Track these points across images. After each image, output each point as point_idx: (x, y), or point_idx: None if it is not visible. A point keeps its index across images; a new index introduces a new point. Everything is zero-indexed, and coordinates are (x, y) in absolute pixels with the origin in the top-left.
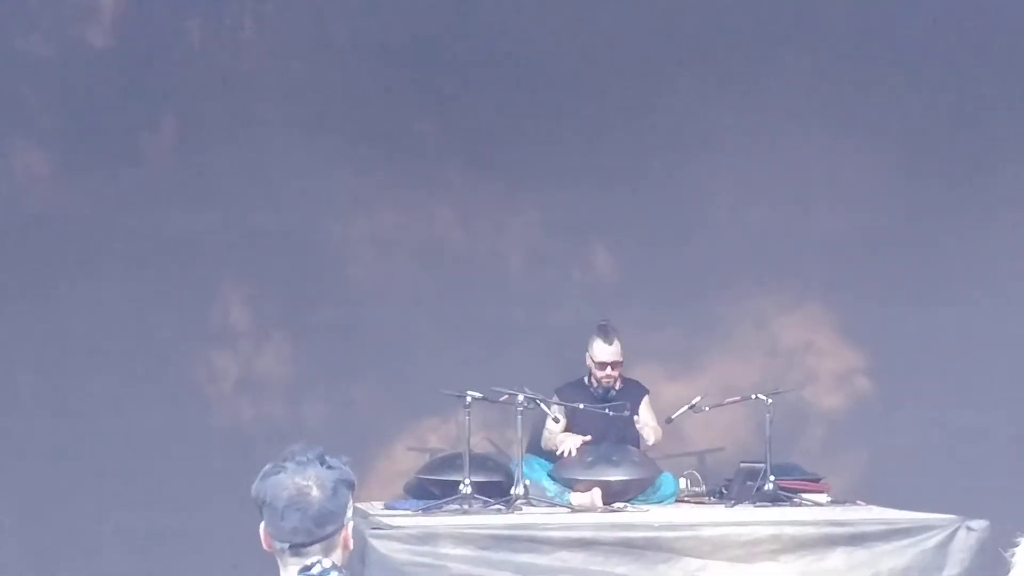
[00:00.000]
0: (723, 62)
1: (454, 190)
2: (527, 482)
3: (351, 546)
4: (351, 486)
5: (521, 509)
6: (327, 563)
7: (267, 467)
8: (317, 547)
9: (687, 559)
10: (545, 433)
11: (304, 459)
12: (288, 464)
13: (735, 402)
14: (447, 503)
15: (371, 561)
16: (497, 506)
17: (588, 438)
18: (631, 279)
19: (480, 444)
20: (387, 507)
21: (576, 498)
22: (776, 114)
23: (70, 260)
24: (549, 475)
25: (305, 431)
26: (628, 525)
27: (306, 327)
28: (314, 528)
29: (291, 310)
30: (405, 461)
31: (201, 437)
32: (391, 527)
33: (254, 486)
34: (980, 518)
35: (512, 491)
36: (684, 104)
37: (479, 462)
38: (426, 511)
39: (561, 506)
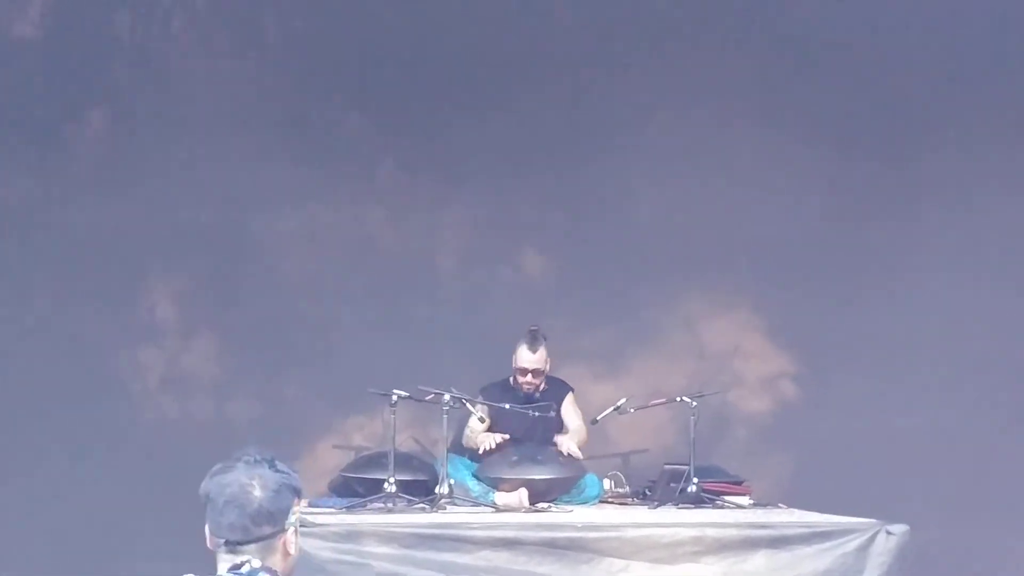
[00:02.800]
0: (653, 64)
1: (385, 188)
2: (452, 481)
3: (293, 552)
4: (297, 492)
5: (445, 508)
6: (257, 563)
7: (217, 466)
8: (253, 547)
9: (610, 560)
10: (467, 431)
11: (253, 460)
12: (238, 464)
13: (660, 404)
14: (371, 501)
15: None
16: (421, 505)
17: (507, 436)
18: (561, 280)
19: (406, 443)
20: (311, 505)
21: (500, 498)
22: (706, 118)
23: None
24: (474, 475)
25: (232, 428)
26: (552, 525)
27: (234, 324)
28: (251, 526)
29: (219, 306)
30: (330, 459)
31: (127, 434)
32: (315, 525)
33: (203, 483)
34: (900, 523)
35: (437, 490)
36: (615, 106)
37: (404, 461)
38: (350, 509)
39: (485, 505)
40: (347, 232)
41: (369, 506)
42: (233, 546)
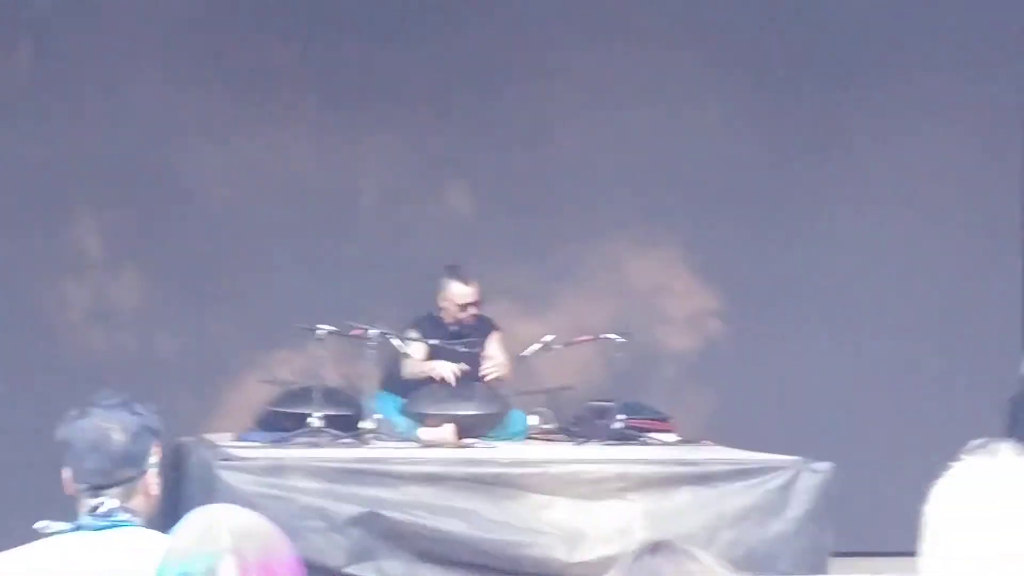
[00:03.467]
0: None
1: (309, 121)
2: (378, 417)
3: (155, 492)
4: (156, 433)
5: (371, 443)
6: (114, 503)
7: (73, 411)
8: (116, 490)
9: (534, 495)
10: (408, 361)
11: (110, 404)
12: (94, 409)
13: (586, 341)
14: (297, 436)
15: (219, 492)
16: (347, 440)
17: (464, 366)
18: (486, 216)
19: (332, 378)
20: (238, 439)
21: (426, 433)
22: (637, 51)
23: None
24: (400, 410)
25: (156, 362)
26: (476, 461)
27: (158, 257)
28: (112, 469)
29: (143, 240)
30: (256, 394)
31: (51, 368)
32: (240, 459)
33: (59, 430)
34: (824, 460)
35: (362, 425)
36: (543, 39)
37: (330, 396)
38: (276, 443)
39: (411, 441)
40: (271, 166)
41: (294, 440)
42: (95, 490)
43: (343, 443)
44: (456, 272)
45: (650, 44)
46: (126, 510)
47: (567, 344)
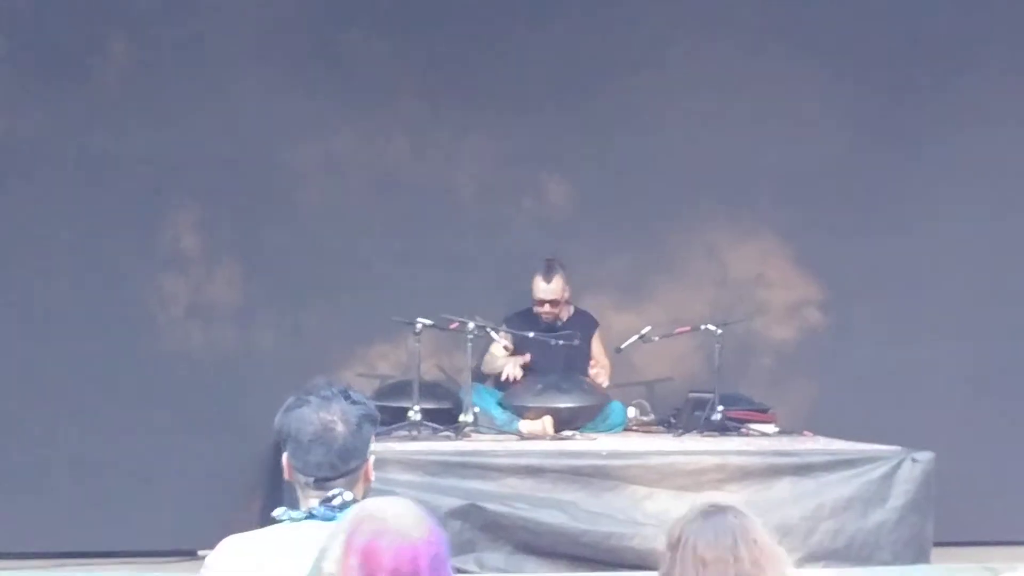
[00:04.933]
0: None
1: (407, 118)
2: (476, 410)
3: (372, 479)
4: (375, 421)
5: (470, 436)
6: (348, 496)
7: (290, 400)
8: (341, 481)
9: (634, 487)
10: (487, 357)
11: (328, 394)
12: (312, 398)
13: (685, 332)
14: (396, 429)
15: None
16: (446, 433)
17: (528, 357)
18: (582, 209)
19: (430, 371)
20: None
21: (525, 426)
22: (729, 43)
23: (22, 182)
24: (499, 403)
25: (255, 356)
26: (576, 453)
27: (257, 252)
28: (338, 463)
29: (242, 235)
30: (355, 387)
31: (151, 362)
32: None
33: (277, 418)
34: (925, 450)
35: (461, 418)
36: (637, 32)
37: (429, 389)
38: (375, 437)
39: (510, 434)
40: (369, 162)
41: (394, 434)
42: (322, 482)
43: (442, 436)
44: (544, 266)
45: (744, 35)
46: (355, 501)
47: (665, 336)
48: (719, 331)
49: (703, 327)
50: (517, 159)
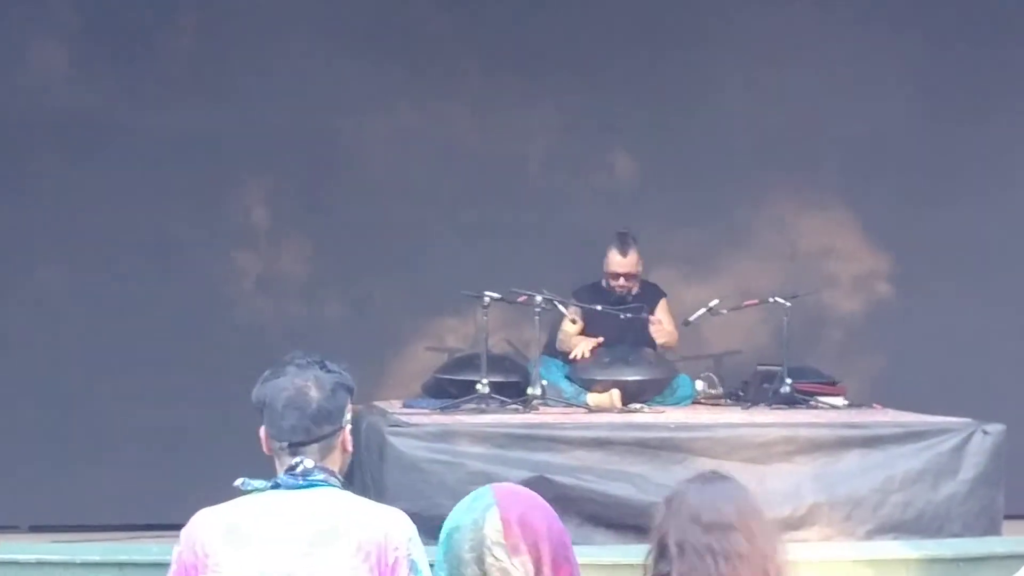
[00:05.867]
0: None
1: (472, 90)
2: (544, 383)
3: (350, 448)
4: (349, 390)
5: (538, 409)
6: (310, 463)
7: (267, 372)
8: (314, 447)
9: (702, 459)
10: (560, 335)
11: (304, 363)
12: (289, 368)
13: (753, 305)
14: (464, 402)
15: (389, 458)
16: (514, 406)
17: (600, 340)
18: (650, 181)
19: (498, 344)
20: (405, 405)
21: (593, 398)
22: (796, 14)
23: (89, 157)
24: (566, 376)
25: (324, 330)
26: (644, 425)
27: (324, 226)
28: (312, 427)
29: (309, 209)
30: (423, 360)
31: (222, 335)
32: (409, 424)
33: (255, 391)
34: (996, 422)
35: (529, 391)
36: (704, 3)
37: (496, 362)
38: (444, 410)
39: (578, 406)
40: (435, 135)
41: (462, 407)
42: (296, 447)
43: (511, 409)
44: (618, 239)
45: (809, 4)
46: (323, 469)
47: (733, 308)
48: (788, 304)
49: (771, 300)
50: (583, 131)
